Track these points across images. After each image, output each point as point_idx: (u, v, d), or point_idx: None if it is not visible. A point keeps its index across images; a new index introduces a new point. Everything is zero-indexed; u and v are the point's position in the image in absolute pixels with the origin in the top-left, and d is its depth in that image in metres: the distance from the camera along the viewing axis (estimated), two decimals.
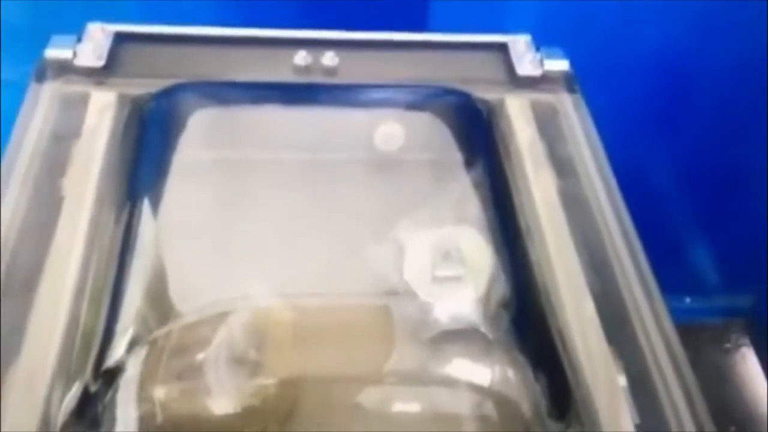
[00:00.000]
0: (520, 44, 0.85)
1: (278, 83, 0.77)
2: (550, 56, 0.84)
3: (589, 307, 0.60)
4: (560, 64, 0.84)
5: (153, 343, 0.58)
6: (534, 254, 0.65)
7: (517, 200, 0.70)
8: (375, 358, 0.60)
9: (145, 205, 0.70)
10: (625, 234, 0.67)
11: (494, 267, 0.68)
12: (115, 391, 0.55)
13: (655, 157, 1.29)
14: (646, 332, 0.59)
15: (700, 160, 1.29)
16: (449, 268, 0.67)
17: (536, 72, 0.82)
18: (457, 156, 0.82)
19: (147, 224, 0.68)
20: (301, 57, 0.79)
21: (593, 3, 1.07)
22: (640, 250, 0.66)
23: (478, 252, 0.69)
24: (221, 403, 0.55)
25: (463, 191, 0.77)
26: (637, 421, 0.54)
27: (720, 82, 1.18)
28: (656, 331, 0.59)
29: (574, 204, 0.69)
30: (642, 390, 0.56)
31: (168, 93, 0.74)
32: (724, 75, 1.17)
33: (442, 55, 0.84)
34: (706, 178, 1.33)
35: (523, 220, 0.68)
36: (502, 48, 0.85)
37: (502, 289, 0.67)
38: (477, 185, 0.78)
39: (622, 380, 0.56)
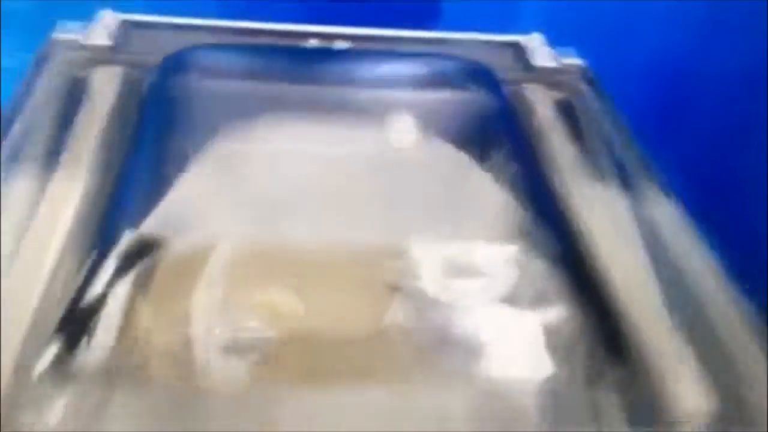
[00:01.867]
0: (534, 41, 0.85)
1: (290, 47, 0.75)
2: (563, 55, 0.83)
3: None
4: (575, 60, 0.83)
5: (140, 275, 0.53)
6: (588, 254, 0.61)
7: (561, 204, 0.66)
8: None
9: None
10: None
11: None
12: (98, 321, 0.49)
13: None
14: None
15: (696, 168, 1.25)
16: (468, 272, 0.62)
17: (553, 63, 0.81)
18: (476, 148, 0.78)
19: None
20: (312, 43, 0.78)
21: (598, 9, 1.07)
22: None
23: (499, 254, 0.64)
24: (202, 347, 0.50)
25: (483, 188, 0.73)
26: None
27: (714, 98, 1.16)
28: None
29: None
30: None
31: (176, 58, 0.72)
32: (721, 88, 1.14)
33: (459, 51, 0.83)
34: (695, 192, 1.28)
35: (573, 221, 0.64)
36: (516, 46, 0.85)
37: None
38: (498, 179, 0.74)
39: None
